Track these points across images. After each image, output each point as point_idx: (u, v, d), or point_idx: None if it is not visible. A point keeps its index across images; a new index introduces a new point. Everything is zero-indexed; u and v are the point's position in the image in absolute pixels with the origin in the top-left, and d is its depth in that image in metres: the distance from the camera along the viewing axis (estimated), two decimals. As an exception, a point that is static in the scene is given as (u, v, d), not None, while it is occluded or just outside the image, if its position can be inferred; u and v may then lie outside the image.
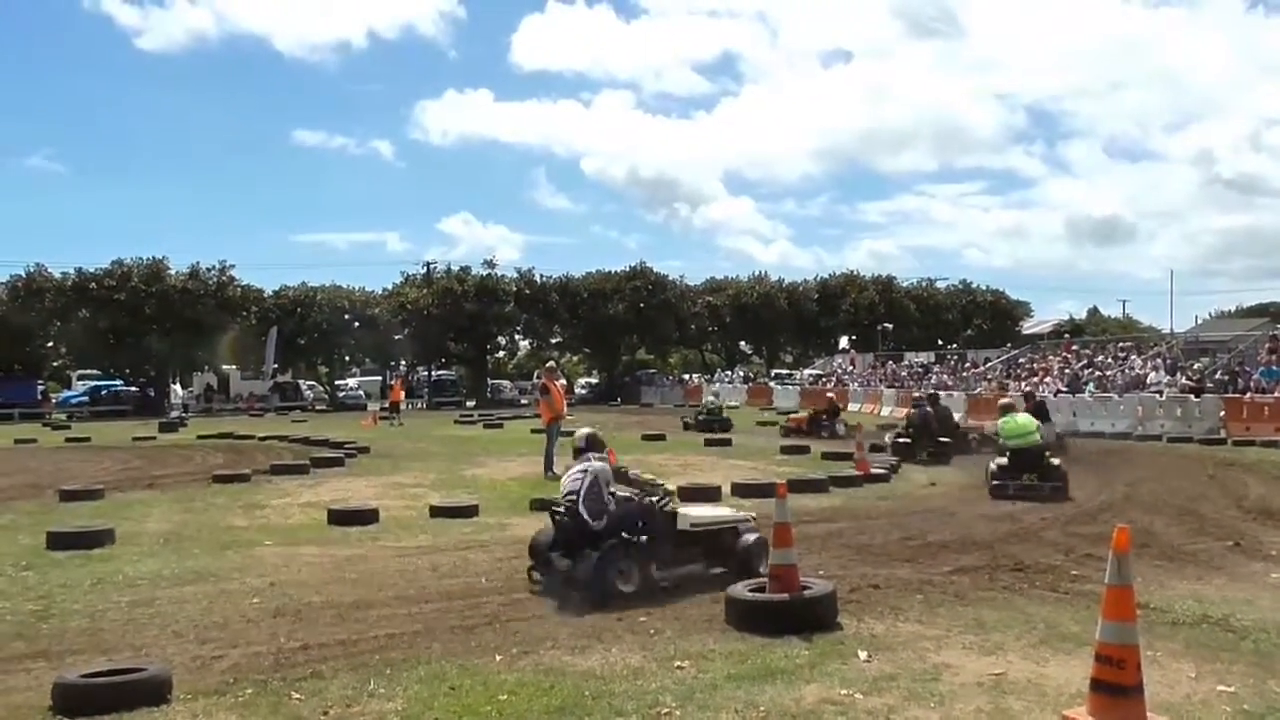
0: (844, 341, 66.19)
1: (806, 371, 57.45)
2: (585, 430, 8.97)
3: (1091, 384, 31.97)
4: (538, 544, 8.56)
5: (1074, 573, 8.69)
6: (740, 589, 7.13)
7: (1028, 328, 68.34)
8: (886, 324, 62.16)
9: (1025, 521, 11.69)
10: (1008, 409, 15.07)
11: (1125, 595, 4.68)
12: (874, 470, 15.81)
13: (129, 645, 6.73)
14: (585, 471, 8.24)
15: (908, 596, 7.82)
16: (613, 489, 8.29)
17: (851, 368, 51.88)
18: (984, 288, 70.93)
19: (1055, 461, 14.29)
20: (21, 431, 32.49)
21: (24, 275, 51.07)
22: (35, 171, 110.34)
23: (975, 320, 68.37)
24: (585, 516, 8.04)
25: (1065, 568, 8.96)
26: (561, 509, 8.28)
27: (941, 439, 19.59)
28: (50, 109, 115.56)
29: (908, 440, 19.75)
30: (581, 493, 8.12)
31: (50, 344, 53.07)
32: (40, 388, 52.71)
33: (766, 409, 41.70)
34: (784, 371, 63.01)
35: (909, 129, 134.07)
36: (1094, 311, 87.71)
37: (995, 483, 13.86)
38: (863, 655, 6.23)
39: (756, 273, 67.99)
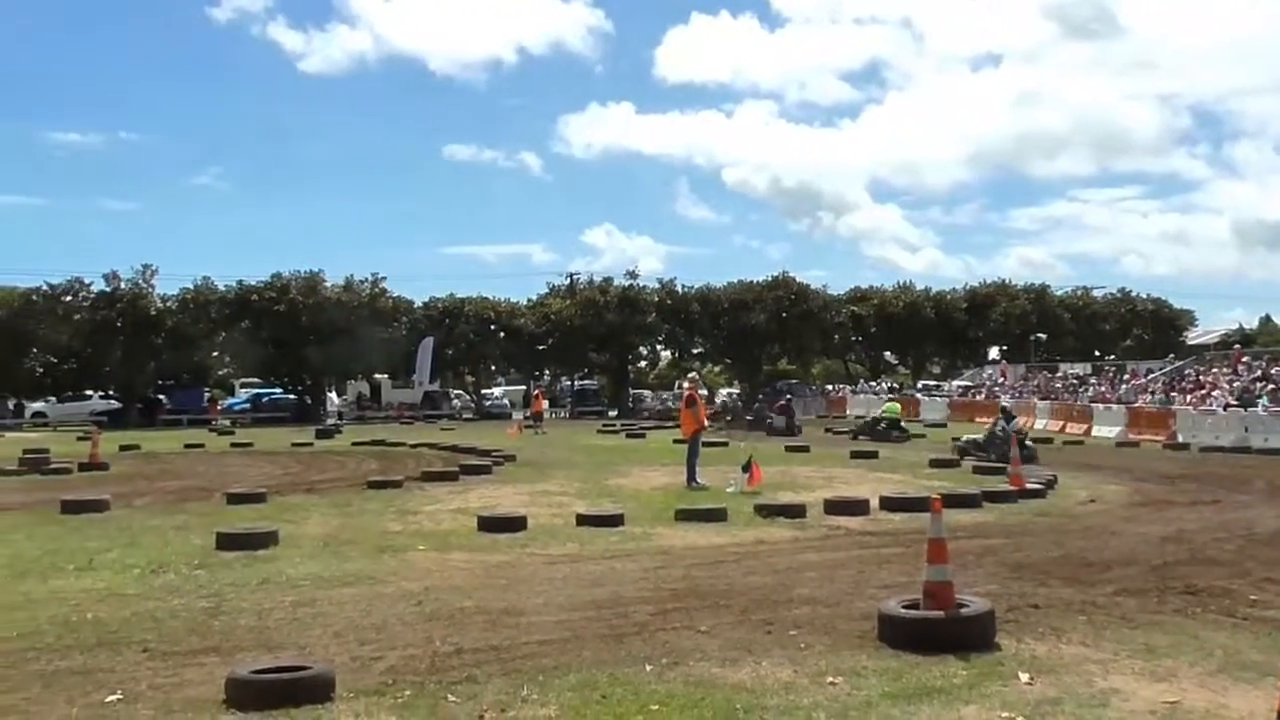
0: (994, 352, 64.30)
1: (955, 383, 56.03)
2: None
3: (1265, 397, 30.27)
4: None
5: (1252, 597, 8.20)
6: (893, 605, 6.96)
7: (1192, 338, 65.25)
8: (1039, 334, 60.12)
9: (1195, 542, 11.11)
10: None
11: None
12: (1029, 485, 15.27)
13: (293, 644, 6.97)
14: None
15: (1070, 617, 7.50)
16: None
17: (1002, 379, 50.33)
18: (1144, 296, 68.10)
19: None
20: (190, 437, 34.16)
21: (192, 288, 53.65)
22: (204, 190, 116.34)
23: (1135, 330, 65.62)
24: None
25: (1242, 592, 8.45)
26: None
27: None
28: (219, 131, 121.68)
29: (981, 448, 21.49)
30: None
31: (215, 353, 55.55)
32: (206, 395, 55.37)
33: (913, 421, 40.82)
34: (931, 382, 61.63)
35: (1063, 133, 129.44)
36: (1266, 320, 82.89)
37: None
38: (1024, 677, 6.00)
39: (902, 281, 66.75)
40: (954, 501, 13.36)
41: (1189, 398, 32.60)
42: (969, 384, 52.87)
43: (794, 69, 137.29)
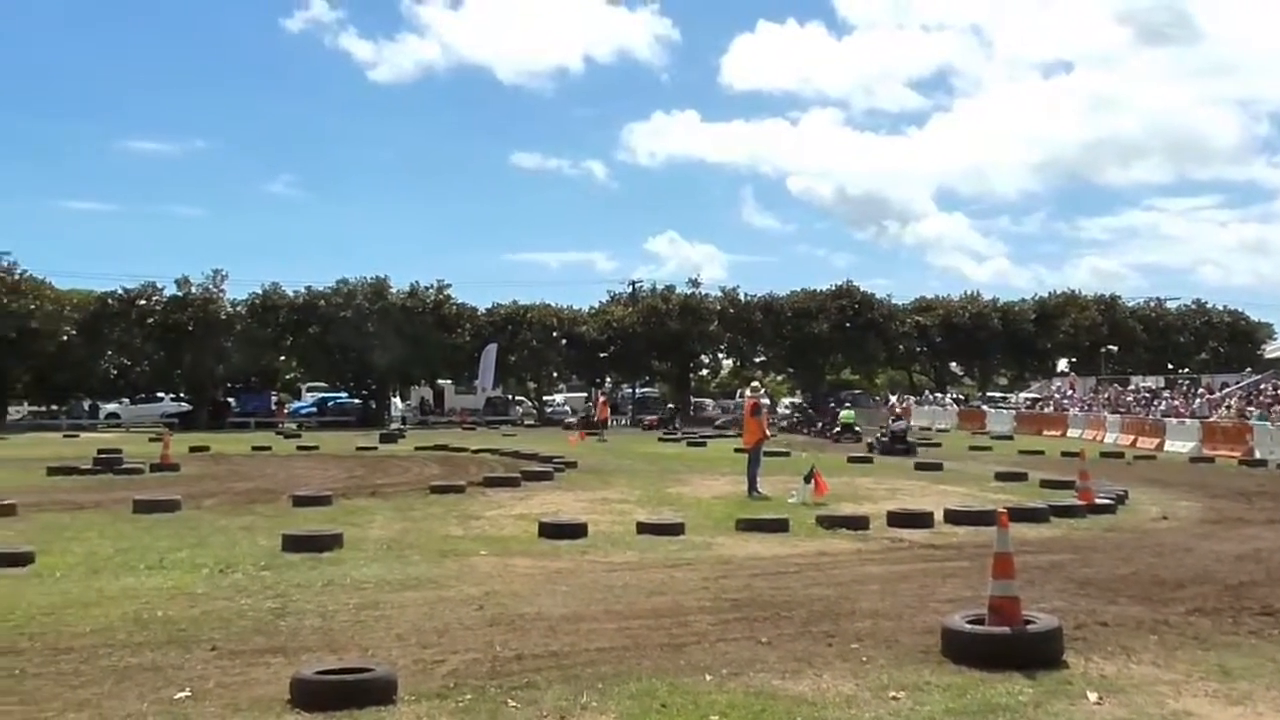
0: (1063, 364, 63.20)
1: (1022, 395, 55.18)
2: None
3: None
4: None
5: (1331, 619, 7.96)
6: (958, 619, 6.86)
7: (1270, 351, 63.53)
8: (1110, 346, 59.01)
9: (1272, 561, 10.79)
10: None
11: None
12: (1098, 500, 14.97)
13: (357, 646, 7.05)
14: None
15: (1140, 636, 7.34)
16: None
17: (1071, 392, 49.47)
18: (1220, 308, 66.42)
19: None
20: (258, 439, 34.73)
21: (260, 293, 54.65)
22: (276, 197, 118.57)
23: (1210, 343, 64.02)
24: None
25: (1321, 614, 8.21)
26: None
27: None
28: (291, 139, 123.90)
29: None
30: None
31: (283, 358, 56.49)
32: (274, 399, 56.34)
33: (979, 433, 40.30)
34: (997, 394, 60.74)
35: (1137, 140, 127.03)
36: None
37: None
38: (1092, 697, 5.88)
39: (969, 292, 65.63)
40: (1020, 515, 13.14)
41: (1270, 413, 31.74)
42: (1036, 396, 52.06)
43: (861, 76, 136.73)
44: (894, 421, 31.73)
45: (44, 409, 54.93)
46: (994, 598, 6.78)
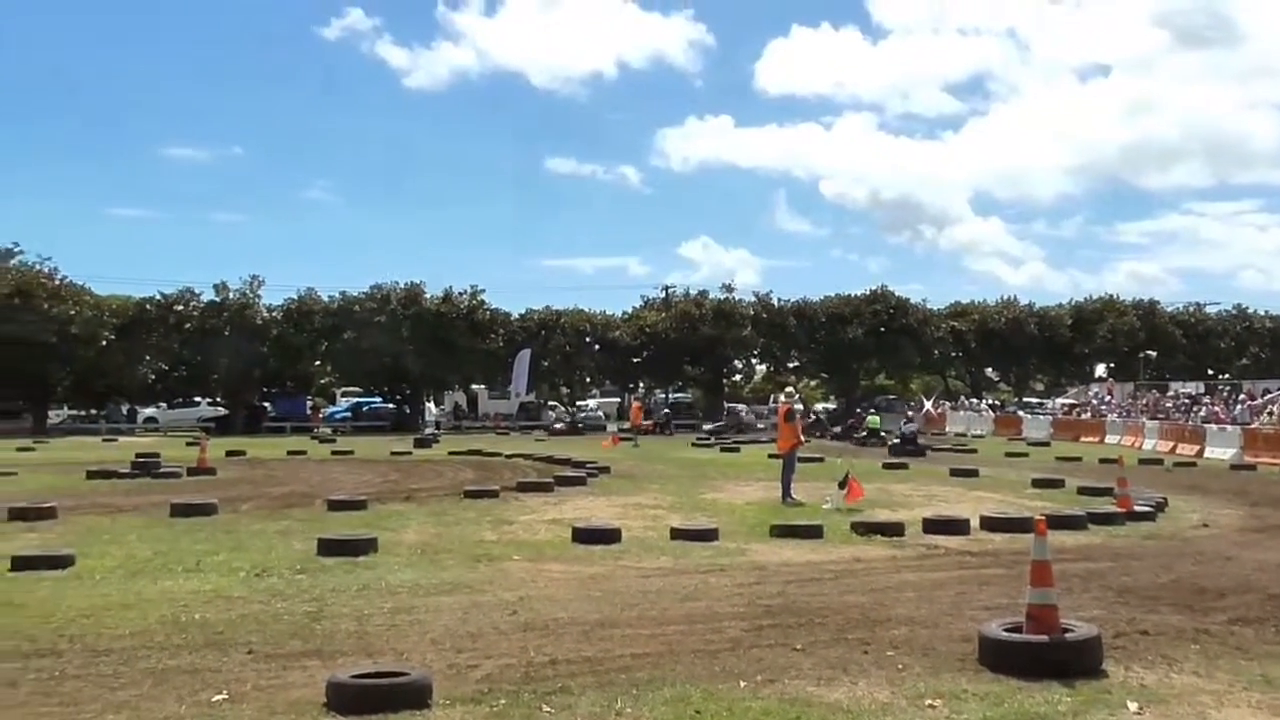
0: (1101, 369, 62.52)
1: (1059, 401, 54.62)
2: None
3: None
4: None
5: (1378, 629, 7.81)
6: (995, 627, 6.80)
7: (1314, 356, 62.51)
8: (1149, 351, 58.29)
9: (1315, 570, 10.63)
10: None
11: None
12: (1137, 507, 14.79)
13: (392, 650, 7.08)
14: None
15: (1181, 646, 7.23)
16: None
17: (1109, 397, 48.92)
18: (1262, 313, 65.55)
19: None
20: (293, 444, 34.99)
21: (296, 298, 55.13)
22: (313, 203, 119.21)
23: (1251, 348, 63.18)
24: None
25: (1367, 623, 8.06)
26: None
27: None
28: (327, 145, 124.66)
29: None
30: None
31: (318, 362, 56.93)
32: (309, 403, 56.79)
33: (1015, 439, 39.94)
34: (1033, 400, 60.15)
35: (1176, 144, 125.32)
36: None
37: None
38: (1132, 706, 5.80)
39: (1005, 296, 65.11)
40: (1058, 523, 12.99)
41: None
42: (1073, 402, 51.51)
43: (896, 80, 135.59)
44: (905, 424, 34.19)
45: (84, 413, 55.65)
46: (1032, 605, 6.72)
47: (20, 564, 10.06)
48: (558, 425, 50.46)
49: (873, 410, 46.09)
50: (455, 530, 13.24)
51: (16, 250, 57.35)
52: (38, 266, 51.33)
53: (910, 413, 41.31)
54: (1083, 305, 64.29)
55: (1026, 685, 6.13)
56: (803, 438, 17.18)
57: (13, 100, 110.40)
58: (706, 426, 48.23)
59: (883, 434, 36.22)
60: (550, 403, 62.64)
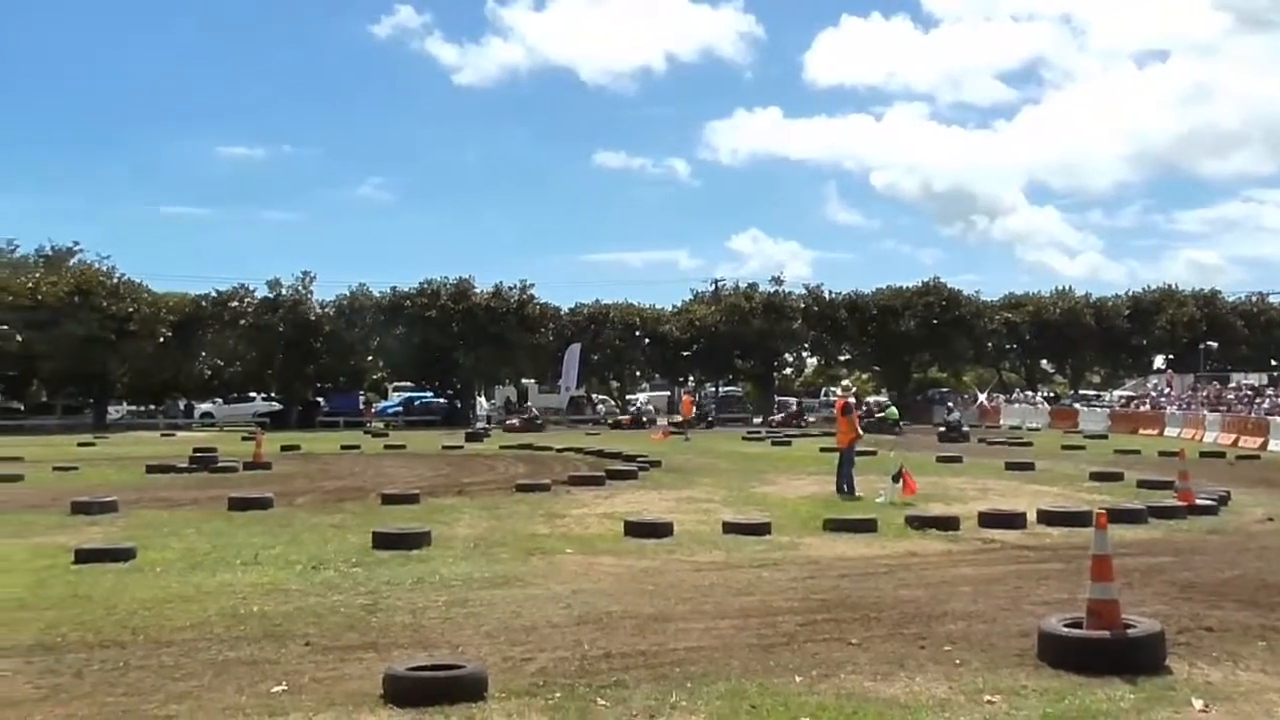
0: (1159, 361, 61.44)
1: (1116, 393, 53.79)
2: None
3: None
4: None
5: None
6: (1055, 622, 6.69)
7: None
8: (1210, 342, 57.20)
9: (1386, 565, 10.35)
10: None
11: None
12: (1199, 501, 14.50)
13: (447, 642, 7.12)
14: None
15: (1248, 643, 7.07)
16: None
17: (1168, 389, 48.11)
18: (1328, 302, 64.08)
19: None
20: (346, 438, 35.36)
21: (348, 294, 55.67)
22: (365, 200, 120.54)
23: (1317, 338, 61.78)
24: None
25: None
26: None
27: None
28: (379, 143, 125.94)
29: None
30: None
31: (370, 358, 57.48)
32: (362, 398, 57.36)
33: (1071, 432, 39.38)
34: (1090, 392, 59.27)
35: (1237, 130, 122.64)
36: None
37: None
38: (1198, 704, 5.68)
39: (1060, 287, 64.25)
40: (1118, 516, 12.73)
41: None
42: (1132, 394, 50.72)
43: (948, 69, 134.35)
44: (949, 415, 37.54)
45: (142, 408, 56.65)
46: (1092, 601, 6.60)
47: (84, 556, 10.26)
48: (623, 417, 50.46)
49: (889, 403, 46.72)
50: (508, 524, 13.30)
51: (77, 249, 58.92)
52: (97, 265, 52.48)
53: (951, 404, 41.62)
54: (1141, 296, 63.21)
55: (1088, 682, 6.02)
56: (860, 431, 16.94)
57: (72, 104, 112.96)
58: (772, 418, 48.06)
59: (898, 426, 38.05)
60: (600, 397, 62.76)
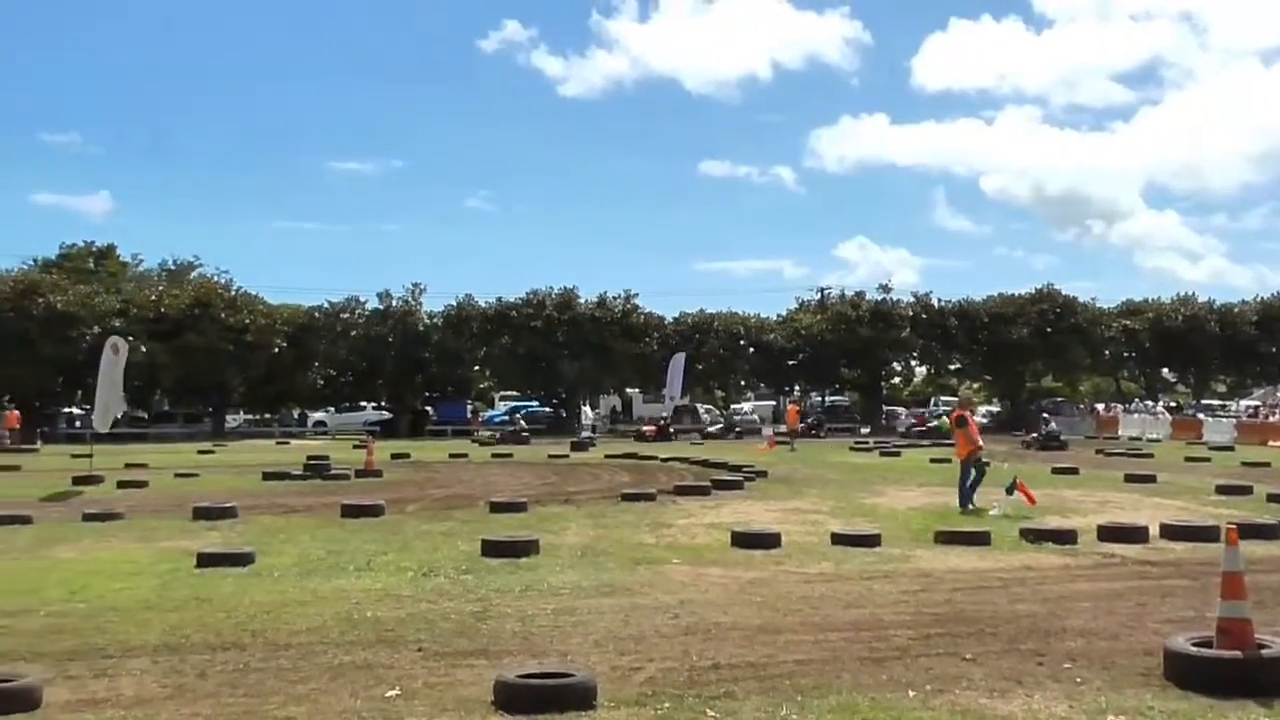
0: (1289, 370, 58.85)
1: (1243, 403, 51.69)
2: None
3: None
4: None
5: None
6: (1182, 641, 6.42)
7: None
8: (1344, 350, 54.60)
9: None
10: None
11: None
12: (1334, 516, 13.82)
13: (555, 650, 7.15)
14: None
15: (1392, 665, 6.69)
16: None
17: (1297, 399, 46.07)
18: None
19: None
20: (454, 447, 35.94)
21: (455, 305, 56.65)
22: (472, 212, 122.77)
23: None
24: None
25: None
26: None
27: None
28: (486, 155, 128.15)
29: None
30: None
31: (476, 367, 58.36)
32: (469, 407, 58.26)
33: (1195, 443, 37.92)
34: (1214, 403, 57.03)
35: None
36: None
37: None
38: (1338, 729, 5.39)
39: (1182, 293, 61.75)
40: (1248, 531, 12.18)
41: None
42: (1260, 404, 48.72)
43: (1061, 71, 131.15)
44: (1046, 426, 36.77)
45: (258, 417, 58.43)
46: (1223, 619, 6.32)
47: (206, 560, 10.59)
48: (646, 428, 45.38)
49: (939, 415, 45.76)
50: (614, 533, 13.33)
51: (196, 263, 61.20)
52: (215, 278, 54.45)
53: (1046, 414, 40.69)
54: (1270, 302, 60.46)
55: (1218, 704, 5.77)
56: (979, 443, 16.38)
57: (189, 122, 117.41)
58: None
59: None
60: (706, 407, 62.64)
